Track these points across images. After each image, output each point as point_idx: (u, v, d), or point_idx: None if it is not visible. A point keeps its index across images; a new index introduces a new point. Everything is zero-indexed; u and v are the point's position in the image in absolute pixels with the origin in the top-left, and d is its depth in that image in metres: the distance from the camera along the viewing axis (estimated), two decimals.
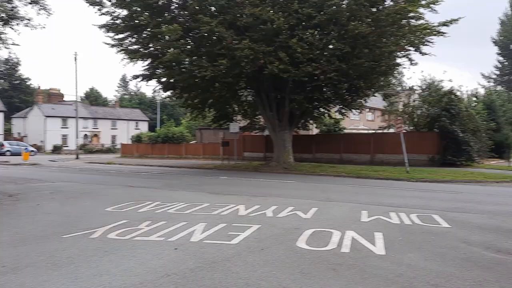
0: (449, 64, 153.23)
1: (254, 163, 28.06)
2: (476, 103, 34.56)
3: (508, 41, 62.06)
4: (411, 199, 13.20)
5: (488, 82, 63.23)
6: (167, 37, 20.99)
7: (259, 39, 20.04)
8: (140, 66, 46.64)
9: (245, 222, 8.93)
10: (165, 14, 21.79)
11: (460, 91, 27.32)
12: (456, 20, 20.20)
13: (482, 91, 41.67)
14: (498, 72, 65.41)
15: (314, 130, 35.04)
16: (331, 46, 21.06)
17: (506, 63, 64.07)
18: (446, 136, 24.23)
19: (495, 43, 64.29)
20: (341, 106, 25.13)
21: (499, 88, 57.10)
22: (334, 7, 19.55)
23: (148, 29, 21.70)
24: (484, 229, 8.69)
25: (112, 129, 75.76)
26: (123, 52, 23.17)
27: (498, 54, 64.67)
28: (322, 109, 25.48)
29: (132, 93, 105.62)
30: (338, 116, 29.57)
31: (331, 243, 7.18)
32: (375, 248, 6.89)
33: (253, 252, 6.61)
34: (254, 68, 20.51)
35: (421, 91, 29.98)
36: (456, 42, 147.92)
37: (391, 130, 29.19)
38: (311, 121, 28.29)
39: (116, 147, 67.29)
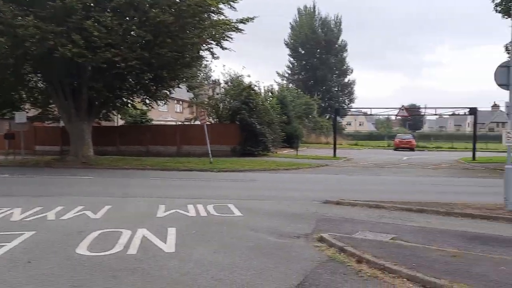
0: (251, 62, 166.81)
1: (47, 157, 24.81)
2: (271, 98, 38.20)
3: (297, 44, 70.85)
4: (211, 190, 13.45)
5: (282, 80, 71.18)
6: None
7: (47, 17, 17.57)
8: None
9: (16, 229, 7.47)
10: None
11: (258, 87, 29.69)
12: (252, 18, 21.65)
13: (276, 88, 46.45)
14: (289, 72, 74.18)
15: (118, 121, 33.18)
16: (133, 33, 19.98)
17: (296, 64, 73.16)
18: (246, 128, 25.94)
19: (287, 45, 72.79)
20: (145, 96, 24.25)
21: (290, 85, 64.68)
22: None
23: None
24: (272, 215, 9.28)
25: None
26: None
27: (290, 55, 73.43)
28: (125, 99, 24.11)
29: None
30: (144, 107, 28.57)
31: (118, 245, 6.50)
32: (165, 245, 6.51)
33: (16, 267, 5.43)
34: (43, 50, 17.93)
35: (225, 85, 31.39)
36: (257, 42, 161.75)
37: (197, 122, 29.75)
38: (114, 112, 26.57)
39: None
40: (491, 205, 10.02)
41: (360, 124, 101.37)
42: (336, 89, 73.25)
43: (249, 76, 29.75)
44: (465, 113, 27.04)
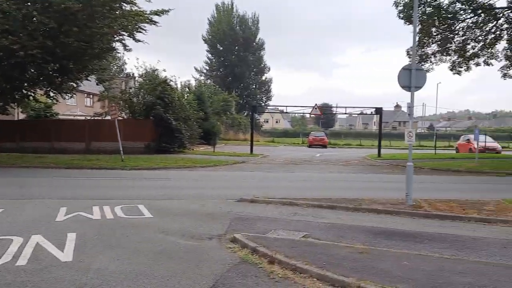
0: (170, 56, 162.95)
1: None
2: (188, 94, 37.45)
3: (215, 40, 70.38)
4: (121, 190, 12.68)
5: (200, 75, 70.28)
6: None
7: None
8: None
9: None
10: None
11: (174, 82, 28.78)
12: (167, 11, 20.87)
13: (194, 83, 45.72)
14: (208, 68, 73.48)
15: (19, 115, 30.20)
16: (34, 20, 18.19)
17: (214, 60, 72.67)
18: (161, 124, 25.06)
19: (205, 41, 71.93)
20: (48, 89, 22.23)
21: (208, 81, 64.11)
22: None
23: None
24: (185, 215, 8.92)
25: None
26: None
27: (208, 51, 72.70)
28: (25, 91, 21.90)
29: None
30: (49, 100, 26.25)
31: (6, 255, 5.75)
32: (62, 254, 5.87)
33: None
34: None
35: (139, 78, 30.03)
36: (175, 37, 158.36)
37: (108, 117, 28.12)
38: (12, 104, 24.03)
39: None
40: (394, 200, 10.61)
41: (276, 122, 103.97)
42: (254, 86, 74.11)
43: (164, 70, 28.71)
44: (371, 112, 28.77)
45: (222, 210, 9.60)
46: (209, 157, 23.43)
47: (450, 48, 24.67)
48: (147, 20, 20.74)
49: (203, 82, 51.87)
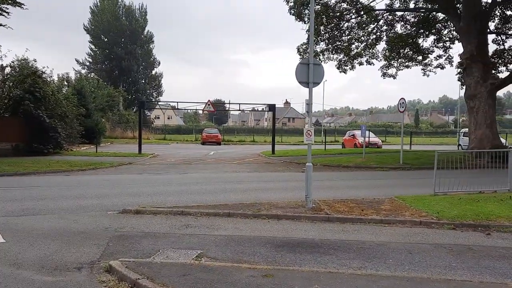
0: (50, 48, 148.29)
1: None
2: (67, 88, 33.66)
3: (99, 30, 65.12)
4: None
5: (83, 68, 64.49)
6: None
7: None
8: None
9: None
10: None
11: (48, 74, 25.12)
12: None
13: (74, 76, 41.36)
14: (91, 60, 67.79)
15: None
16: None
17: (98, 52, 67.27)
18: (32, 121, 21.76)
19: (87, 31, 66.15)
20: None
21: (93, 75, 59.10)
22: None
23: None
24: (49, 237, 7.19)
25: None
26: None
27: (91, 42, 66.95)
28: None
29: None
30: None
31: None
32: None
33: None
34: None
35: (8, 68, 25.81)
36: (54, 25, 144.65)
37: None
38: None
39: None
40: (293, 203, 10.03)
41: (168, 118, 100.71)
42: (143, 81, 70.48)
43: (35, 60, 25.00)
44: (263, 109, 28.66)
45: (100, 226, 8.04)
46: (90, 159, 20.92)
47: (338, 46, 25.48)
48: (9, 1, 17.62)
49: (84, 75, 47.15)
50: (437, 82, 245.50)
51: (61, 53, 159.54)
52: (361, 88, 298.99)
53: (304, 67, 9.48)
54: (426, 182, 14.46)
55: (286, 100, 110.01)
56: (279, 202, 10.21)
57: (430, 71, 27.21)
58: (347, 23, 25.38)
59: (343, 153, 25.30)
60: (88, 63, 67.16)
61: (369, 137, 27.54)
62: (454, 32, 27.18)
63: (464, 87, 25.03)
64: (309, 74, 9.40)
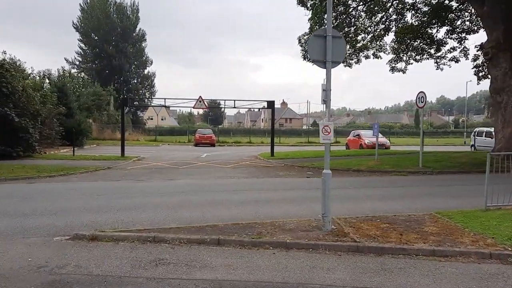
0: (40, 47, 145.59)
1: None
2: (49, 85, 31.05)
3: (89, 28, 62.45)
4: None
5: (73, 68, 61.69)
6: None
7: None
8: None
9: None
10: None
11: (20, 67, 22.47)
12: None
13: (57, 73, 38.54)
14: (80, 59, 65.07)
15: None
16: None
17: (88, 50, 64.59)
18: None
19: (77, 29, 63.43)
20: None
21: (82, 74, 56.52)
22: None
23: None
24: None
25: None
26: None
27: (80, 40, 64.25)
28: None
29: None
30: None
31: None
32: None
33: None
34: None
35: None
36: (44, 25, 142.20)
37: None
38: None
39: None
40: (305, 222, 7.57)
41: (162, 119, 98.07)
42: (135, 81, 67.81)
43: (4, 52, 22.37)
44: (263, 106, 26.26)
45: (32, 263, 5.60)
46: (64, 163, 18.32)
47: (344, 36, 23.06)
48: None
49: (66, 71, 43.79)
50: (434, 82, 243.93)
51: (54, 54, 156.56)
52: (357, 89, 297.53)
53: (319, 41, 7.01)
54: (460, 191, 12.10)
55: (283, 100, 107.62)
56: (285, 220, 7.74)
57: (444, 64, 24.82)
58: (353, 12, 23.00)
59: (350, 155, 22.82)
60: (77, 62, 64.45)
61: (377, 138, 25.09)
62: (468, 22, 24.96)
63: (484, 80, 22.72)
64: (326, 50, 6.93)
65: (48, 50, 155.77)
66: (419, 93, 16.63)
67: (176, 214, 8.68)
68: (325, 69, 7.03)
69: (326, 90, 6.99)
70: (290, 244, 6.32)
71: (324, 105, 7.00)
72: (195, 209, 9.19)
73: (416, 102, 17.02)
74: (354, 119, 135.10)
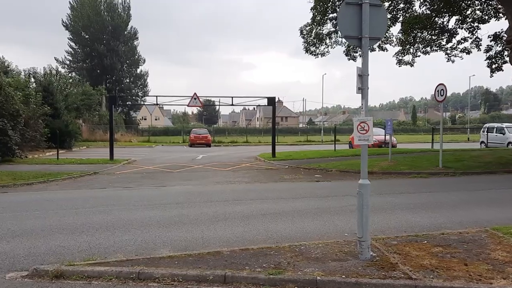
0: (31, 47, 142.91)
1: None
2: (34, 84, 29.19)
3: (78, 27, 60.42)
4: None
5: (63, 67, 59.65)
6: None
7: None
8: None
9: None
10: None
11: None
12: None
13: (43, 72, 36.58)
14: (71, 58, 63.05)
15: None
16: None
17: (79, 50, 62.59)
18: None
19: (66, 27, 61.38)
20: None
21: (73, 74, 54.67)
22: None
23: None
24: None
25: None
26: None
27: (70, 39, 62.23)
28: None
29: None
30: None
31: None
32: None
33: None
34: None
35: None
36: (34, 24, 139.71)
37: None
38: None
39: None
40: (333, 247, 5.91)
41: (156, 119, 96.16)
42: (128, 80, 65.85)
43: None
44: (259, 104, 24.52)
45: None
46: (46, 168, 16.56)
47: None
48: None
49: (54, 69, 41.69)
50: (428, 79, 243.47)
51: (48, 55, 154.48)
52: (350, 85, 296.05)
53: (352, 11, 5.35)
54: (500, 196, 10.50)
55: (279, 98, 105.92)
56: (308, 244, 6.07)
57: (456, 56, 23.21)
58: None
59: (357, 154, 21.18)
60: (68, 62, 62.41)
61: (385, 135, 23.56)
62: (479, 12, 23.43)
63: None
64: (362, 23, 5.28)
65: (42, 51, 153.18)
66: (438, 85, 15.03)
67: (169, 234, 7.01)
68: (361, 48, 5.38)
69: (363, 75, 5.33)
70: (323, 283, 4.66)
71: (361, 92, 5.33)
72: (192, 227, 7.51)
73: (435, 95, 15.41)
74: (350, 116, 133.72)
